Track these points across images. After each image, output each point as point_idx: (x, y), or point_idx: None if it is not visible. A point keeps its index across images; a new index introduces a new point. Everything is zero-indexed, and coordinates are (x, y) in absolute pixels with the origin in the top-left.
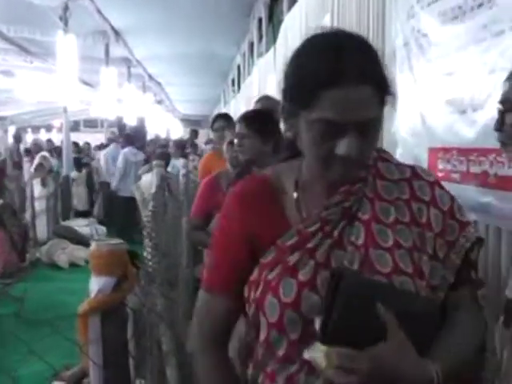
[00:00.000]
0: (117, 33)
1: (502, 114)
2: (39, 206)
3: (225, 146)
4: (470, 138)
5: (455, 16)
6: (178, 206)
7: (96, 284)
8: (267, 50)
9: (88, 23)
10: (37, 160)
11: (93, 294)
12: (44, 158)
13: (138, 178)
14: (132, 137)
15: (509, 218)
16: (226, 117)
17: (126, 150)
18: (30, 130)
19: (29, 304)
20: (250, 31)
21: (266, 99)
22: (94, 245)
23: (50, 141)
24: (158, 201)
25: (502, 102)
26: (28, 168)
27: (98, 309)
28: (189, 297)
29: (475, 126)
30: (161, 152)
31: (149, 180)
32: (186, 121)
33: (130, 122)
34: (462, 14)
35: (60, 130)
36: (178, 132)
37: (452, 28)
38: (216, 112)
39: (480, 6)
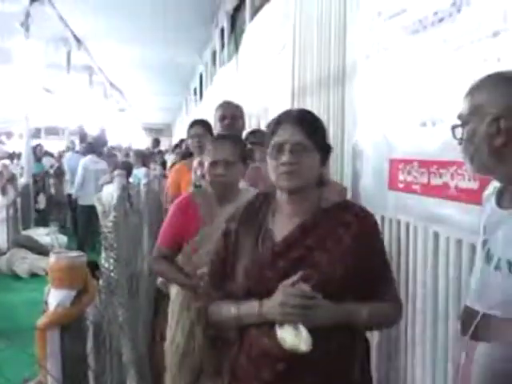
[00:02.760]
0: (78, 40)
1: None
2: None
3: (195, 163)
4: (430, 151)
5: (416, 30)
6: (139, 216)
7: (55, 297)
8: (229, 59)
9: (50, 30)
10: None
11: (51, 307)
12: (4, 166)
13: (99, 187)
14: (93, 145)
15: (469, 229)
16: (203, 123)
17: (87, 158)
18: None
19: None
20: (213, 40)
21: (226, 105)
22: (52, 257)
23: None
24: (118, 211)
25: (458, 116)
26: None
27: (57, 322)
28: (149, 307)
29: (435, 139)
30: (123, 161)
31: (110, 191)
32: (149, 129)
33: (92, 130)
34: (422, 27)
35: (21, 137)
36: (141, 140)
37: (413, 41)
38: (178, 120)
39: (441, 20)
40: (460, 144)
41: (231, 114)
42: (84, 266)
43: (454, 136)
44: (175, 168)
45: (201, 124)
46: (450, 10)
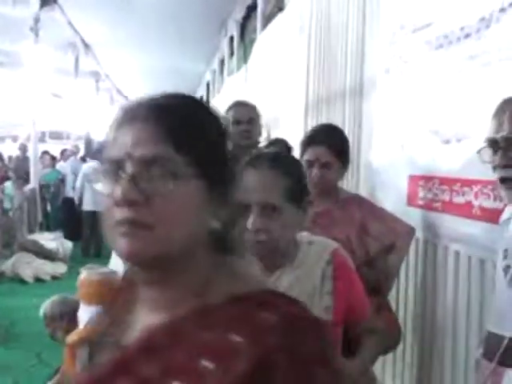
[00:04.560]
0: (87, 45)
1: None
2: None
3: None
4: (452, 168)
5: (440, 44)
6: None
7: (85, 313)
8: (238, 68)
9: (59, 35)
10: None
11: (81, 323)
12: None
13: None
14: (97, 151)
15: (492, 249)
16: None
17: (88, 164)
18: None
19: None
20: (221, 49)
21: (241, 106)
22: (84, 273)
23: None
24: None
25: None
26: None
27: (87, 339)
28: None
29: (459, 156)
30: None
31: None
32: None
33: (98, 135)
34: (447, 43)
35: (27, 140)
36: None
37: (437, 56)
38: None
39: (467, 36)
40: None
41: (248, 117)
42: (115, 282)
43: (482, 158)
44: None
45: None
46: (477, 25)
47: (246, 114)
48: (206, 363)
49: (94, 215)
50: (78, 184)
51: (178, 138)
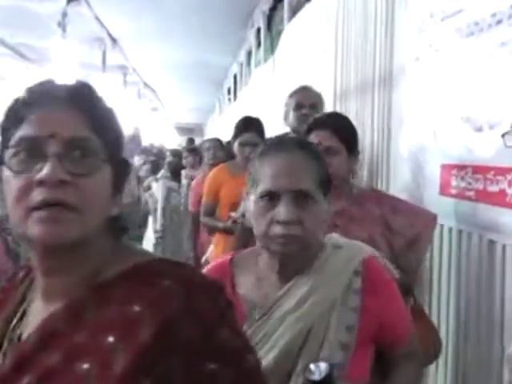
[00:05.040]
0: (114, 40)
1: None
2: None
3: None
4: (486, 156)
5: (471, 32)
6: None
7: None
8: (265, 59)
9: (86, 30)
10: None
11: None
12: None
13: (146, 187)
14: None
15: None
16: (259, 129)
17: None
18: None
19: None
20: (248, 41)
21: (305, 91)
22: None
23: None
24: (165, 217)
25: None
26: None
27: None
28: None
29: (492, 144)
30: (169, 162)
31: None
32: (180, 129)
33: (126, 129)
34: (478, 30)
35: None
36: (173, 140)
37: (468, 44)
38: (210, 120)
39: (499, 22)
40: None
41: (311, 102)
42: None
43: (506, 143)
44: (214, 171)
45: (256, 129)
46: (509, 11)
47: (309, 99)
48: (110, 339)
49: None
50: None
51: (97, 122)
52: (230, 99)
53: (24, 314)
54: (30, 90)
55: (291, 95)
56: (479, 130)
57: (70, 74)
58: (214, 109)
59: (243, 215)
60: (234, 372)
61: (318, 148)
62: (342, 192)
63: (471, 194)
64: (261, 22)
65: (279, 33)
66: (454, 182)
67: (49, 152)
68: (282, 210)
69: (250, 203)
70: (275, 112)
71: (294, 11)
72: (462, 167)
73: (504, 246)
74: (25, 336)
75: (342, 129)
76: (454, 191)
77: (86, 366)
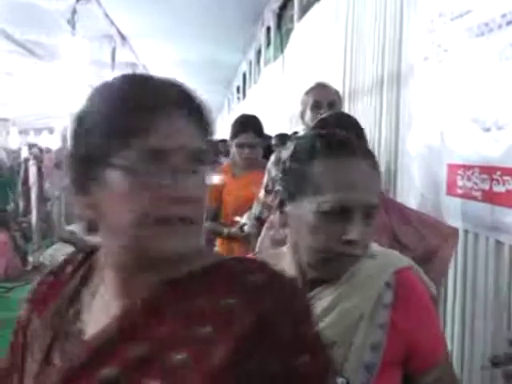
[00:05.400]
0: (123, 37)
1: None
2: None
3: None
4: (493, 156)
5: (481, 32)
6: None
7: None
8: (275, 58)
9: (95, 27)
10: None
11: None
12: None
13: None
14: None
15: None
16: (258, 129)
17: None
18: (32, 132)
19: None
20: (258, 39)
21: (322, 88)
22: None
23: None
24: None
25: None
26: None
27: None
28: None
29: (500, 145)
30: None
31: None
32: None
33: None
34: (488, 30)
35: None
36: None
37: (477, 44)
38: (219, 119)
39: (509, 23)
40: None
41: (329, 100)
42: None
43: None
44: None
45: (254, 129)
46: None
47: (327, 97)
48: (207, 329)
49: None
50: None
51: (206, 130)
52: (239, 97)
53: (79, 309)
54: (139, 91)
55: (308, 92)
56: (487, 130)
57: (79, 71)
58: (223, 107)
59: (256, 218)
60: (322, 362)
61: None
62: None
63: (478, 194)
64: (271, 20)
65: (289, 31)
66: (460, 182)
67: (178, 164)
68: (355, 230)
69: (294, 212)
70: (284, 110)
71: (304, 10)
72: (468, 167)
73: (511, 247)
74: (90, 331)
75: (349, 128)
76: (460, 191)
77: (181, 355)
